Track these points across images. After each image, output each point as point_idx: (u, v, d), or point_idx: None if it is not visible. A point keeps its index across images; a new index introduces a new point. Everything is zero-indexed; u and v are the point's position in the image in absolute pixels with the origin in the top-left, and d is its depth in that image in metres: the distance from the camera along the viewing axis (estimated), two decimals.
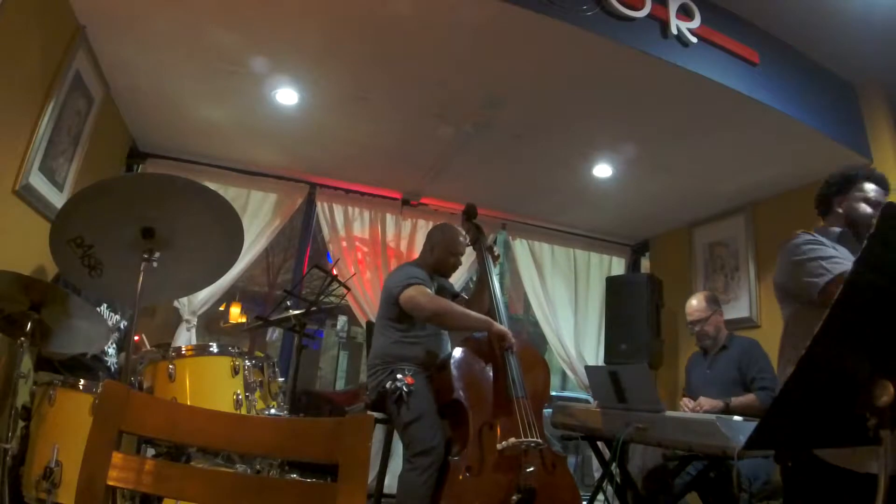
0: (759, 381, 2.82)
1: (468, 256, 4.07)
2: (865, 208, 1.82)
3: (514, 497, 2.26)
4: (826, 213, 1.93)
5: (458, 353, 2.56)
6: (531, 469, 2.32)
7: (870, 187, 1.85)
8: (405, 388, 2.49)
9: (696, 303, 3.17)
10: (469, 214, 3.01)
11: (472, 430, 2.39)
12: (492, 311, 2.74)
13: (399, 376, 2.53)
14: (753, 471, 2.54)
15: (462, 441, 2.40)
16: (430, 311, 2.58)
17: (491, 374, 2.57)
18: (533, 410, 2.46)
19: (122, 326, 2.69)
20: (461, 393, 2.45)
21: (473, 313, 2.65)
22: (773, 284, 1.87)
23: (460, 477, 2.28)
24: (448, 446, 2.44)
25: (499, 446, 2.35)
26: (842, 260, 1.62)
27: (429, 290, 2.66)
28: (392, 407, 2.53)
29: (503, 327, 2.60)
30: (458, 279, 4.24)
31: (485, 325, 2.59)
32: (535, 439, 2.37)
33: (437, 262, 2.88)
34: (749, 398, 2.77)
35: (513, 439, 2.35)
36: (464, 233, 2.96)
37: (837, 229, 1.83)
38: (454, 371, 2.49)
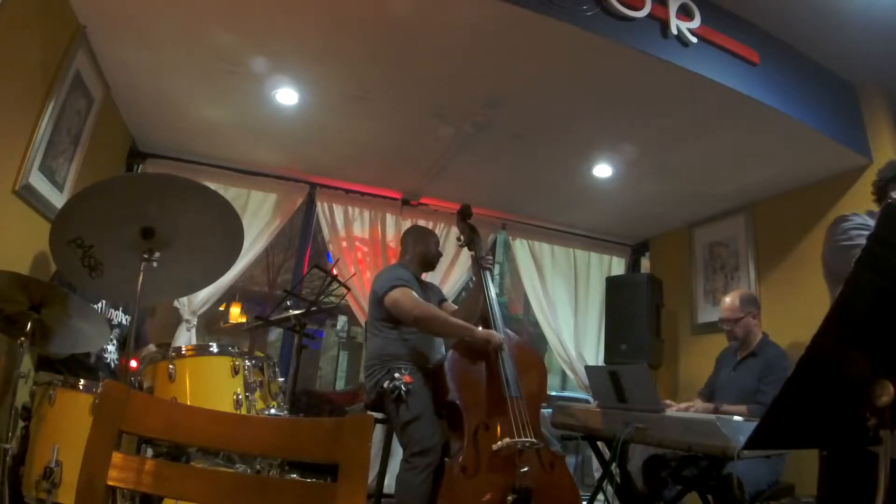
0: (760, 394, 2.68)
1: (465, 258, 4.10)
2: None
3: (509, 497, 2.26)
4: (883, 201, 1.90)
5: (451, 354, 2.57)
6: (526, 469, 2.32)
7: None
8: (404, 387, 2.49)
9: (728, 301, 2.99)
10: (464, 215, 3.01)
11: (468, 430, 2.39)
12: (486, 313, 2.74)
13: (397, 375, 2.54)
14: (754, 472, 2.53)
15: (459, 442, 2.40)
16: (414, 315, 2.58)
17: (485, 374, 2.58)
18: (528, 410, 2.47)
19: (123, 322, 2.69)
20: (455, 394, 2.46)
21: (456, 320, 2.64)
22: (822, 263, 1.79)
23: (456, 477, 2.28)
24: (447, 447, 2.44)
25: (494, 447, 2.35)
26: None
27: (414, 293, 2.66)
28: (391, 406, 2.53)
29: (486, 331, 2.60)
30: (455, 282, 4.25)
31: (467, 332, 2.59)
32: (529, 439, 2.37)
33: (423, 256, 2.89)
34: (739, 409, 2.62)
35: (507, 440, 2.35)
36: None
37: None
38: (448, 373, 2.50)
